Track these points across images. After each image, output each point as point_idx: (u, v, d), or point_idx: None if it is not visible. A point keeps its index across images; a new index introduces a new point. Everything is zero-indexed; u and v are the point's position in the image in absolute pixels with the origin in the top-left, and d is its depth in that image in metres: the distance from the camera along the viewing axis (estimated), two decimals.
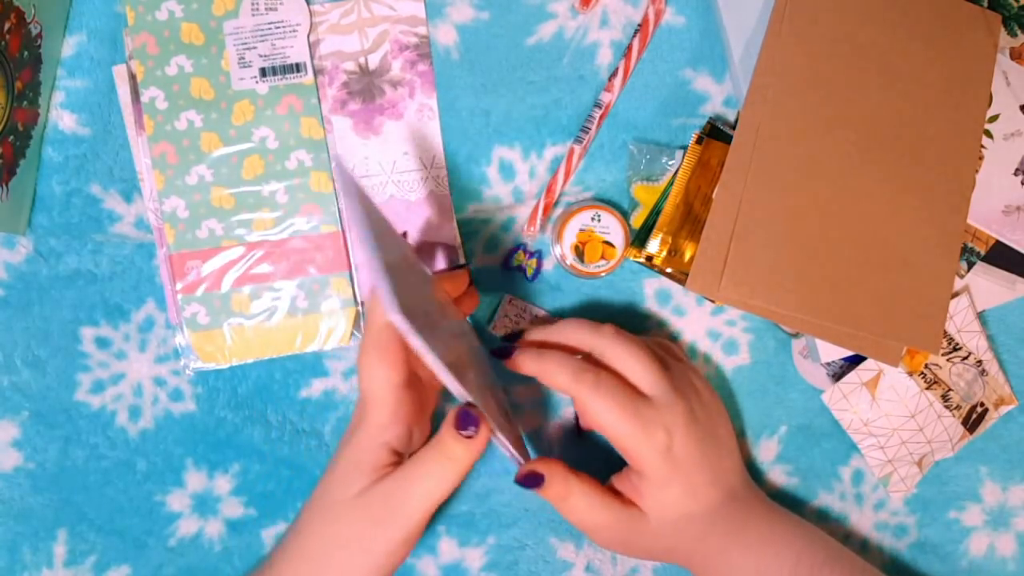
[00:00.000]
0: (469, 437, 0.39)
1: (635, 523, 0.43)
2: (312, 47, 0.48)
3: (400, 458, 0.42)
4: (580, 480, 0.43)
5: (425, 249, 0.49)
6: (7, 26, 0.42)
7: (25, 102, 0.46)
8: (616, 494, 0.44)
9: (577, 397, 0.42)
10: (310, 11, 0.48)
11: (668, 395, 0.42)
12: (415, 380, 0.42)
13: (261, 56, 0.47)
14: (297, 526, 0.43)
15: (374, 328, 0.40)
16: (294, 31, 0.48)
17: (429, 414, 0.46)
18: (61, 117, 0.48)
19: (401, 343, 0.40)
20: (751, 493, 0.46)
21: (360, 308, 0.49)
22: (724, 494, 0.44)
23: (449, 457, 0.40)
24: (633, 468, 0.43)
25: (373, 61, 0.48)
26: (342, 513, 0.41)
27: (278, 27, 0.47)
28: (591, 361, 0.44)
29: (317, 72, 0.48)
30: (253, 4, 0.47)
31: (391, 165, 0.49)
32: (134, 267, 0.49)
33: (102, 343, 0.49)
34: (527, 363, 0.44)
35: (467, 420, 0.39)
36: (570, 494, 0.43)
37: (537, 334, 0.46)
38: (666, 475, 0.42)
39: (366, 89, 0.49)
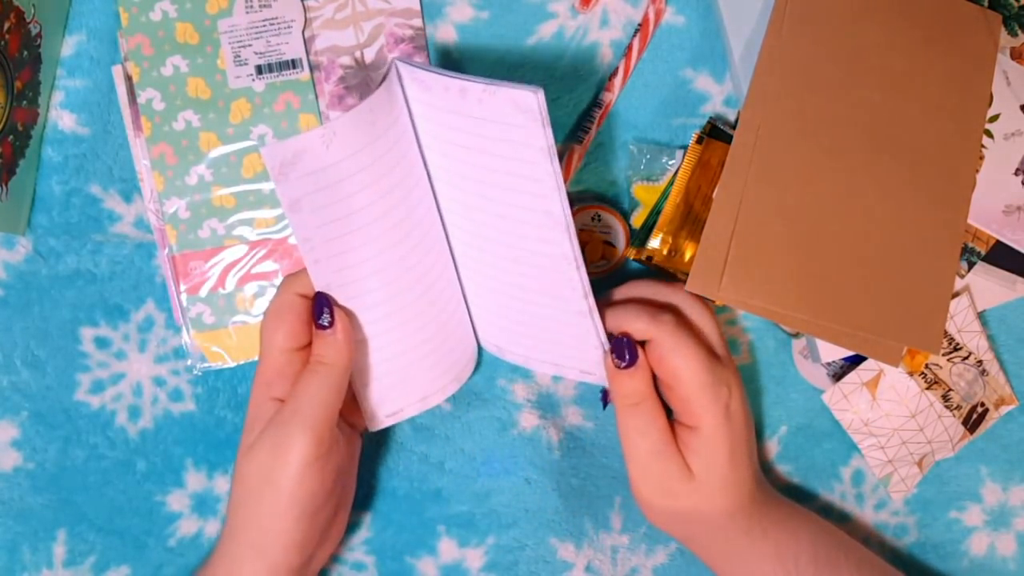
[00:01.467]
0: (326, 327, 0.40)
1: (681, 476, 0.43)
2: (307, 43, 0.48)
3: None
4: (656, 397, 0.43)
5: None
6: (7, 26, 0.42)
7: (25, 102, 0.46)
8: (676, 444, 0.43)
9: (656, 338, 0.42)
10: (304, 7, 0.48)
11: (729, 360, 0.44)
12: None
13: (257, 53, 0.47)
14: (231, 498, 0.43)
15: (280, 297, 0.41)
16: (289, 27, 0.47)
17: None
18: (61, 117, 0.48)
19: (299, 314, 0.41)
20: (765, 480, 0.47)
21: None
22: (752, 473, 0.45)
23: (318, 360, 0.40)
24: (688, 424, 0.43)
25: (369, 55, 0.48)
26: (242, 464, 0.41)
27: (272, 24, 0.47)
28: None
29: (313, 68, 0.48)
30: (247, 2, 0.47)
31: None
32: (134, 267, 0.49)
33: (102, 343, 0.49)
34: (609, 316, 0.43)
35: (319, 308, 0.40)
36: (645, 400, 0.42)
37: (611, 292, 0.46)
38: (721, 432, 0.42)
39: (363, 83, 0.48)
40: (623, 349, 0.42)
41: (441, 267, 0.44)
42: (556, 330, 0.44)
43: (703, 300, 0.45)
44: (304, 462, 0.39)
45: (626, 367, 0.42)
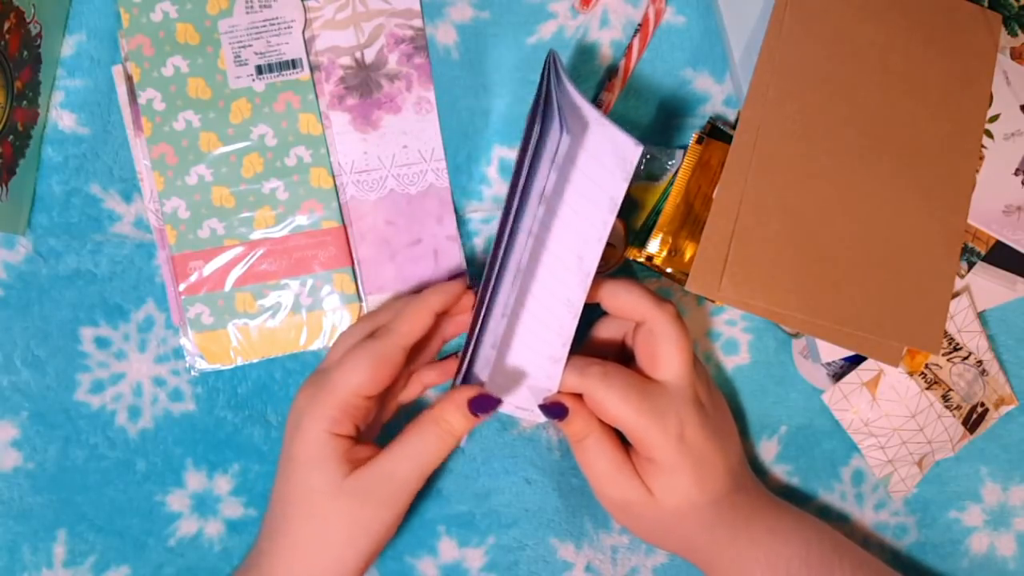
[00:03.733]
0: (479, 419, 0.41)
1: (641, 497, 0.43)
2: (308, 43, 0.48)
3: (357, 437, 0.42)
4: (603, 429, 0.43)
5: (425, 242, 0.49)
6: (7, 26, 0.42)
7: (25, 102, 0.46)
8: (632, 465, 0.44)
9: (586, 392, 0.42)
10: (304, 7, 0.48)
11: (680, 380, 0.42)
12: (381, 397, 0.43)
13: (257, 54, 0.47)
14: (276, 523, 0.42)
15: (389, 339, 0.41)
16: (289, 27, 0.48)
17: (380, 421, 0.47)
18: (61, 117, 0.48)
19: (399, 363, 0.41)
20: (755, 486, 0.47)
21: (363, 304, 0.49)
22: (731, 484, 0.44)
23: (448, 430, 0.41)
24: (643, 455, 0.43)
25: (369, 55, 0.48)
26: (330, 502, 0.41)
27: (273, 24, 0.47)
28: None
29: (313, 68, 0.48)
30: (247, 2, 0.47)
31: (390, 159, 0.49)
32: (134, 267, 0.49)
33: (102, 343, 0.49)
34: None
35: (486, 406, 0.41)
36: (589, 435, 0.42)
37: (590, 331, 0.46)
38: (677, 462, 0.42)
39: (363, 84, 0.49)
40: (550, 411, 0.43)
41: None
42: (522, 367, 0.44)
43: (674, 317, 0.43)
44: (403, 516, 0.42)
45: (561, 421, 0.42)
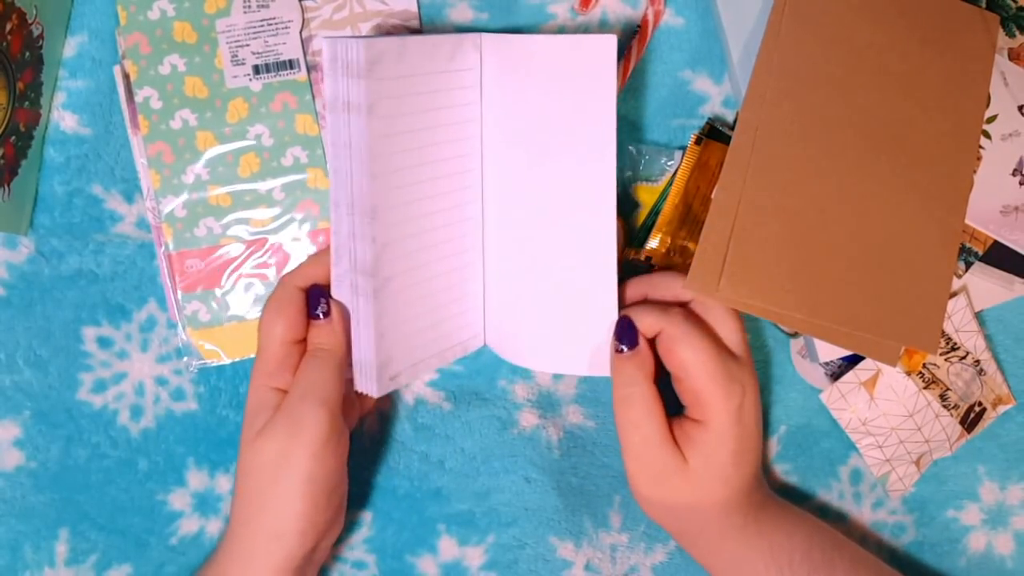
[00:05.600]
0: (322, 317, 0.42)
1: (674, 468, 0.43)
2: (305, 43, 0.48)
3: None
4: (654, 389, 0.43)
5: None
6: (9, 27, 0.43)
7: (27, 103, 0.46)
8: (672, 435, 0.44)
9: (665, 329, 0.42)
10: (302, 7, 0.48)
11: (747, 359, 0.44)
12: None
13: (254, 53, 0.48)
14: (234, 486, 0.44)
15: (278, 290, 0.43)
16: (286, 28, 0.48)
17: (357, 412, 0.48)
18: (63, 117, 0.48)
19: (299, 307, 0.43)
20: (764, 484, 0.47)
21: None
22: (754, 473, 0.45)
23: (317, 347, 0.42)
24: (697, 418, 0.43)
25: None
26: (252, 450, 0.42)
27: (270, 24, 0.48)
28: None
29: (310, 68, 0.48)
30: (245, 2, 0.47)
31: None
32: (135, 267, 0.49)
33: (104, 343, 0.49)
34: (630, 290, 0.45)
35: (314, 300, 0.43)
36: (645, 381, 0.42)
37: (625, 285, 0.46)
38: (729, 430, 0.42)
39: None
40: (623, 332, 0.42)
41: (468, 243, 0.46)
42: (570, 316, 0.45)
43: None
44: (321, 439, 0.41)
45: (627, 350, 0.42)
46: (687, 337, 0.42)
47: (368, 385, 0.43)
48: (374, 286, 0.41)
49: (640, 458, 0.43)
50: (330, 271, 0.43)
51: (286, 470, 0.41)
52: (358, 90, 0.38)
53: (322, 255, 0.44)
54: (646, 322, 0.43)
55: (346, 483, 0.45)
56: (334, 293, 0.43)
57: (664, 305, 0.43)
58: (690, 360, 0.41)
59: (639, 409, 0.42)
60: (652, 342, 0.43)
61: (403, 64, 0.39)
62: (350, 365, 0.43)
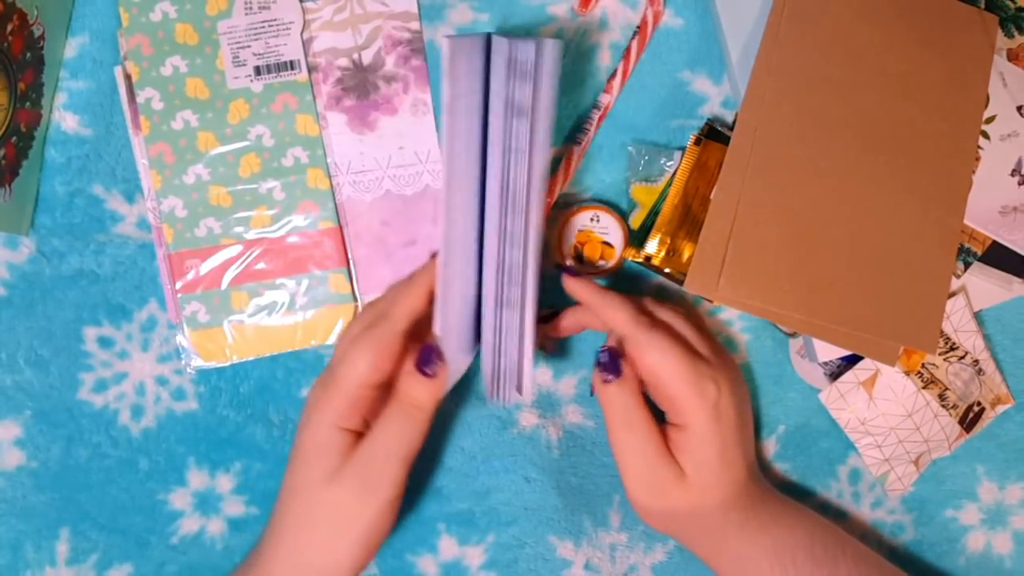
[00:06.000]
0: (430, 376, 0.40)
1: (673, 479, 0.43)
2: (306, 44, 0.48)
3: (363, 431, 0.42)
4: (648, 412, 0.43)
5: (420, 243, 0.50)
6: (10, 28, 0.43)
7: (28, 103, 0.46)
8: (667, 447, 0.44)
9: (633, 337, 0.42)
10: (303, 8, 0.48)
11: (716, 357, 0.44)
12: (387, 386, 0.43)
13: (255, 55, 0.48)
14: (276, 516, 0.43)
15: (386, 325, 0.41)
16: (287, 29, 0.48)
17: None
18: (63, 118, 0.48)
19: (398, 348, 0.41)
20: (762, 480, 0.48)
21: (358, 304, 0.49)
22: (747, 469, 0.45)
23: (412, 404, 0.40)
24: (676, 423, 0.43)
25: (367, 57, 0.49)
26: (320, 493, 0.41)
27: (271, 25, 0.48)
28: None
29: (311, 69, 0.48)
30: (246, 3, 0.47)
31: (387, 160, 0.49)
32: (136, 267, 0.49)
33: (105, 343, 0.49)
34: (587, 289, 0.44)
35: (428, 357, 0.40)
36: (636, 405, 0.43)
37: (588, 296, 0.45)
38: (710, 430, 0.42)
39: (360, 85, 0.49)
40: (607, 364, 0.43)
41: (476, 246, 0.43)
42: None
43: (672, 305, 0.46)
44: (391, 504, 0.40)
45: (613, 379, 0.43)
46: (653, 342, 0.42)
47: (522, 393, 0.42)
48: (522, 295, 0.40)
49: (639, 476, 0.44)
50: (424, 300, 0.41)
51: (354, 525, 0.40)
52: (525, 92, 0.37)
53: (414, 286, 0.42)
54: (616, 325, 0.43)
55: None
56: (448, 319, 0.40)
57: (634, 304, 0.44)
58: (658, 363, 0.42)
59: (636, 433, 0.43)
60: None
61: (547, 64, 0.38)
62: None
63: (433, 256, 0.44)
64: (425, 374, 0.40)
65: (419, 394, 0.40)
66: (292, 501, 0.42)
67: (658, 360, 0.42)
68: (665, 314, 0.45)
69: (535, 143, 0.39)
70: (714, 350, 0.45)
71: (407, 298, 0.42)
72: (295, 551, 0.42)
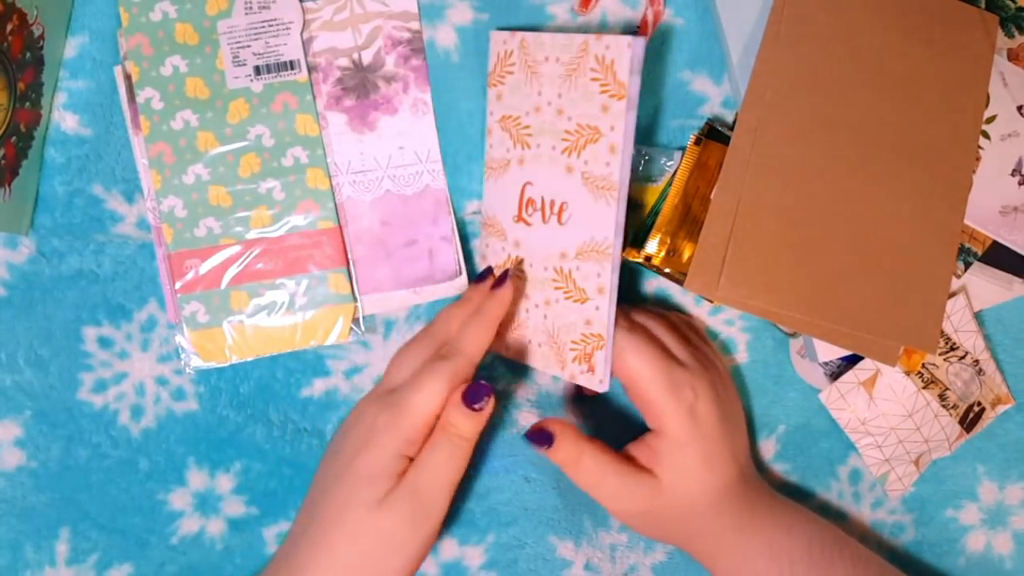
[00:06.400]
0: (479, 411, 0.40)
1: (649, 490, 0.43)
2: (305, 44, 0.48)
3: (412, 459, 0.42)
4: (592, 444, 0.43)
5: (420, 243, 0.50)
6: (9, 28, 0.43)
7: (27, 103, 0.46)
8: (631, 460, 0.44)
9: (614, 336, 0.42)
10: (303, 8, 0.48)
11: (694, 363, 0.44)
12: None
13: (255, 54, 0.48)
14: (319, 530, 0.41)
15: (462, 361, 0.42)
16: (287, 29, 0.48)
17: None
18: (63, 118, 0.48)
19: (463, 384, 0.41)
20: (759, 480, 0.48)
21: (357, 304, 0.49)
22: (737, 472, 0.45)
23: (460, 435, 0.41)
24: (653, 428, 0.44)
25: (367, 57, 0.49)
26: (370, 517, 0.40)
27: (271, 25, 0.48)
28: None
29: (311, 69, 0.48)
30: (246, 3, 0.47)
31: (386, 160, 0.49)
32: (136, 267, 0.49)
33: (104, 343, 0.49)
34: None
35: (478, 394, 0.40)
36: (581, 457, 0.43)
37: None
38: (687, 435, 0.42)
39: (360, 85, 0.49)
40: (538, 439, 0.43)
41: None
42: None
43: (655, 311, 0.47)
44: (436, 532, 0.41)
45: (547, 450, 0.43)
46: (632, 345, 0.43)
47: (605, 383, 0.43)
48: (611, 285, 0.42)
49: (616, 500, 0.44)
50: (489, 339, 0.43)
51: (403, 552, 0.40)
52: (634, 84, 0.40)
53: (489, 320, 0.43)
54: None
55: None
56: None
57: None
58: (636, 367, 0.42)
59: (585, 468, 0.43)
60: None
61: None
62: None
63: (495, 284, 0.45)
64: (472, 408, 0.40)
65: (466, 428, 0.41)
66: (339, 520, 0.41)
67: (634, 363, 0.42)
68: (645, 319, 0.46)
69: (629, 132, 0.41)
70: (695, 356, 0.45)
71: (483, 335, 0.43)
72: (337, 567, 0.41)
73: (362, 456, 0.41)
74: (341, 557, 0.41)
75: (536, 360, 0.46)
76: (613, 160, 0.41)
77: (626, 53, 0.40)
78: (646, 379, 0.42)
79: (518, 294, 0.46)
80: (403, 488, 0.40)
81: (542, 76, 0.43)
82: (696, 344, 0.47)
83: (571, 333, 0.43)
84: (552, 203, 0.44)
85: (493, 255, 0.47)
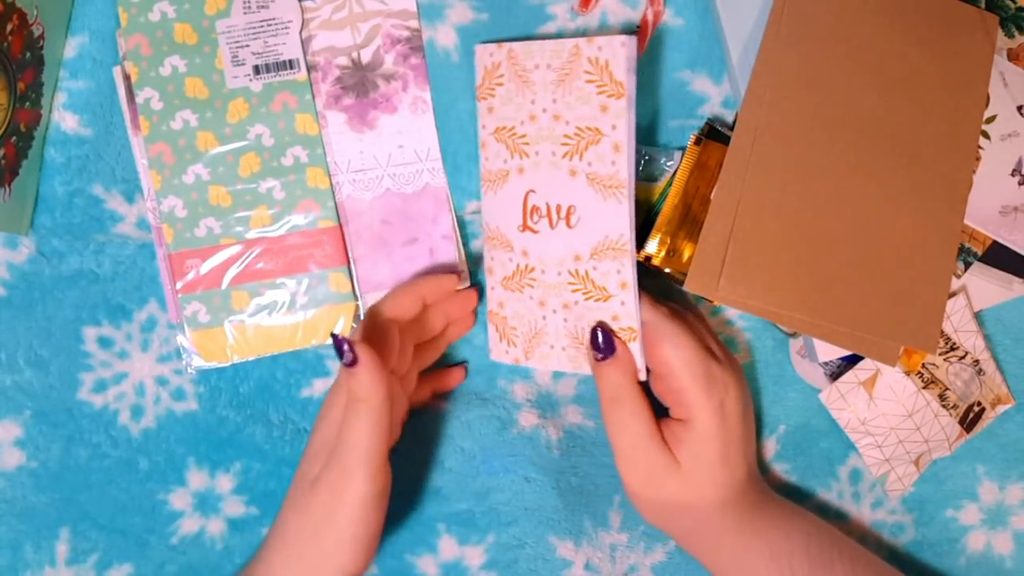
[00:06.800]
0: (349, 365, 0.39)
1: (666, 471, 0.43)
2: (304, 43, 0.48)
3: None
4: (642, 394, 0.43)
5: (421, 242, 0.50)
6: (9, 28, 0.43)
7: (27, 103, 0.46)
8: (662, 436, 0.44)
9: (651, 322, 0.43)
10: (301, 7, 0.48)
11: (727, 359, 0.45)
12: (397, 399, 0.44)
13: (254, 54, 0.48)
14: (278, 516, 0.44)
15: (376, 308, 0.43)
16: (286, 28, 0.48)
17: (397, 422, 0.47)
18: (63, 118, 0.48)
19: (387, 335, 0.43)
20: (761, 482, 0.48)
21: (358, 303, 0.49)
22: (746, 471, 0.45)
23: (354, 399, 0.40)
24: (680, 417, 0.44)
25: (366, 56, 0.49)
26: (304, 498, 0.42)
27: (270, 24, 0.48)
28: None
29: (310, 68, 0.48)
30: (245, 2, 0.47)
31: (386, 159, 0.49)
32: (136, 267, 0.49)
33: (104, 343, 0.49)
34: None
35: (337, 350, 0.40)
36: (629, 384, 0.43)
37: None
38: (714, 429, 0.43)
39: (359, 84, 0.49)
40: (599, 342, 0.43)
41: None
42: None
43: (676, 305, 0.47)
44: (363, 501, 0.40)
45: (603, 359, 0.42)
46: (672, 335, 0.42)
47: (642, 372, 0.43)
48: (633, 277, 0.42)
49: (631, 459, 0.44)
50: (406, 304, 0.44)
51: (330, 528, 0.41)
52: (631, 83, 0.41)
53: (403, 289, 0.44)
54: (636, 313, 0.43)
55: (383, 523, 0.44)
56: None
57: (652, 302, 0.44)
58: (672, 357, 0.42)
59: (626, 411, 0.43)
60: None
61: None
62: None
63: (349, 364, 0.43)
64: (345, 364, 0.40)
65: (352, 386, 0.40)
66: (289, 500, 0.43)
67: (672, 353, 0.42)
68: (680, 310, 0.46)
69: (631, 129, 0.42)
70: (724, 352, 0.46)
71: (401, 295, 0.44)
72: (285, 557, 0.42)
73: (311, 437, 0.44)
74: (288, 533, 0.42)
75: (563, 363, 0.46)
76: (618, 158, 0.41)
77: (621, 52, 0.40)
78: (682, 368, 0.42)
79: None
80: (325, 468, 0.41)
81: (534, 84, 0.43)
82: (720, 341, 0.48)
83: None
84: (559, 208, 0.44)
85: (500, 267, 0.47)
